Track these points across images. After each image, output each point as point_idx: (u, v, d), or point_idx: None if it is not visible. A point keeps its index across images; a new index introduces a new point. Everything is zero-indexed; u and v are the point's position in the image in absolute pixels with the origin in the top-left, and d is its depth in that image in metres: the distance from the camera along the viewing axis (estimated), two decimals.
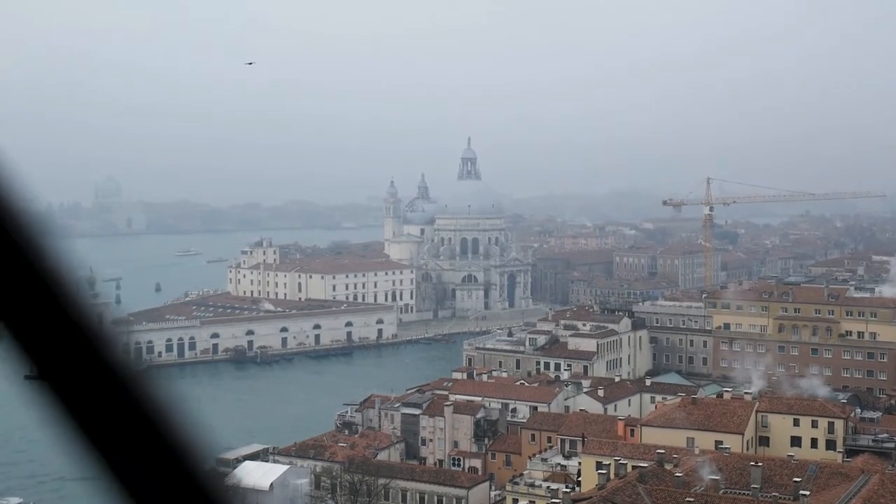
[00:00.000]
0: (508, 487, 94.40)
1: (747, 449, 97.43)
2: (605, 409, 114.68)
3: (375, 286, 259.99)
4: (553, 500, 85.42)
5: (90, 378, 2.24)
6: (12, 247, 2.09)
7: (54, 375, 2.26)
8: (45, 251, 2.13)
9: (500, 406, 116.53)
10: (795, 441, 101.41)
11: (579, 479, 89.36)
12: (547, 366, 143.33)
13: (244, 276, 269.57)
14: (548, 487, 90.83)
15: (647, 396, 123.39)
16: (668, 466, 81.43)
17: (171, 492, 2.26)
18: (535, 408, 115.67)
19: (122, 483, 2.18)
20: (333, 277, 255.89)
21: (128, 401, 2.26)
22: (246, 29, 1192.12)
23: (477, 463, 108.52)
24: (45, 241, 2.13)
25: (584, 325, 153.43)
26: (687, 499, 72.24)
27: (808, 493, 75.13)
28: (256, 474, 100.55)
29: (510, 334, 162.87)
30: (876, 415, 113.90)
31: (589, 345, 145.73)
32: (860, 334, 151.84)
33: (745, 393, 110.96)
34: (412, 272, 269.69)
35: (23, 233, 2.10)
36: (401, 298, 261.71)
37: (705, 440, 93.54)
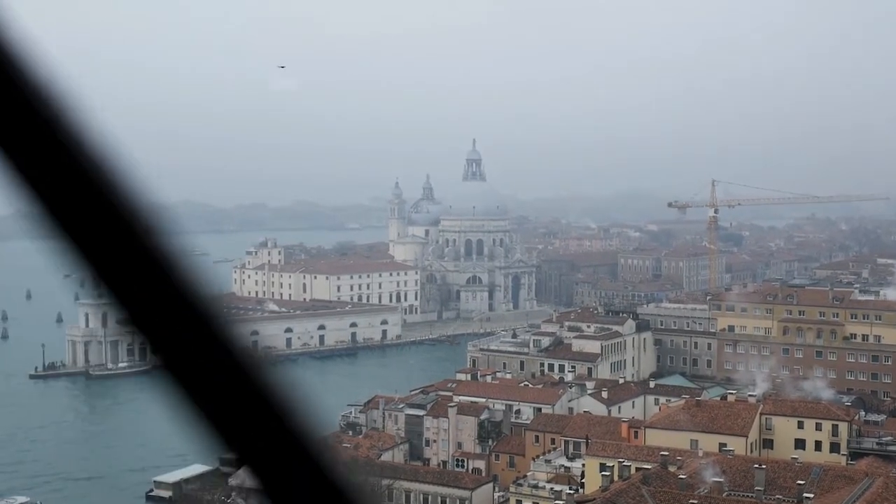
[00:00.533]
0: (512, 489, 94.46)
1: (751, 451, 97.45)
2: (609, 411, 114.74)
3: (380, 287, 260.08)
4: (557, 502, 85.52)
5: (214, 365, 2.32)
6: (136, 240, 2.21)
7: (178, 364, 2.29)
8: (166, 244, 2.24)
9: (504, 407, 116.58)
10: (799, 444, 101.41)
11: (583, 480, 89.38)
12: (551, 367, 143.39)
13: (249, 276, 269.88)
14: (551, 489, 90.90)
15: (650, 398, 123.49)
16: (671, 468, 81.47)
17: (297, 474, 2.34)
18: (539, 409, 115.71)
19: (249, 465, 2.36)
20: (338, 278, 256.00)
21: (252, 386, 2.34)
22: (246, 29, 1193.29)
23: (480, 464, 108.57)
24: (166, 235, 2.26)
25: (589, 326, 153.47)
26: (690, 501, 72.28)
27: (811, 495, 75.18)
28: None
29: (514, 336, 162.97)
30: (880, 418, 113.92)
31: (593, 346, 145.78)
32: (865, 337, 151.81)
33: (749, 395, 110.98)
34: (417, 273, 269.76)
35: (146, 227, 2.23)
36: (405, 299, 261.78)
37: (709, 442, 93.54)
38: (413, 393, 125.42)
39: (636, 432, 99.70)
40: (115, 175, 2.25)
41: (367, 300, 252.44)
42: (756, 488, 77.54)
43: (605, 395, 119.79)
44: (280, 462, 2.36)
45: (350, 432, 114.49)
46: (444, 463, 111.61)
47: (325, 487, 2.40)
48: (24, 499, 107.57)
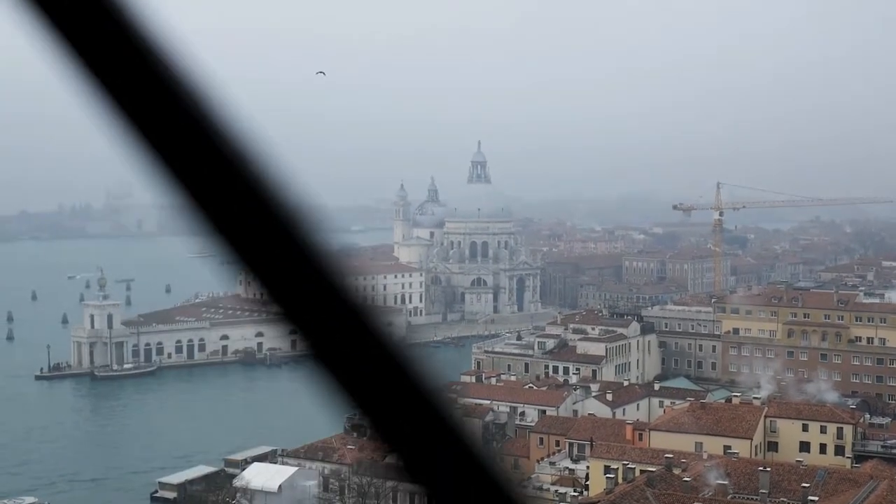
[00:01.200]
0: None
1: (756, 454, 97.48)
2: (614, 414, 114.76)
3: (385, 289, 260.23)
4: None
5: (364, 353, 2.40)
6: (293, 241, 2.34)
7: (329, 353, 2.39)
8: (318, 244, 2.37)
9: (508, 409, 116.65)
10: (804, 446, 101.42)
11: (587, 483, 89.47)
12: (556, 369, 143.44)
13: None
14: (556, 491, 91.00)
15: (655, 401, 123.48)
16: (676, 471, 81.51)
17: (444, 458, 2.37)
18: (544, 411, 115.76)
19: (395, 449, 2.39)
20: None
21: (400, 374, 2.41)
22: (247, 29, 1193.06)
23: None
24: (319, 236, 2.39)
25: (593, 328, 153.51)
26: (695, 503, 72.35)
27: (816, 498, 75.19)
28: (265, 476, 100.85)
29: (519, 338, 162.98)
30: (885, 420, 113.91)
31: (598, 349, 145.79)
32: (869, 340, 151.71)
33: (754, 398, 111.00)
34: (421, 275, 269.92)
35: (301, 228, 2.34)
36: (410, 301, 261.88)
37: (714, 445, 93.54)
38: None
39: (640, 434, 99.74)
40: (264, 172, 2.31)
41: (372, 302, 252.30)
42: (760, 491, 77.60)
43: (609, 397, 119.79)
44: (427, 447, 2.38)
45: (355, 434, 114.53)
46: None
47: (475, 474, 2.39)
48: (31, 499, 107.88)
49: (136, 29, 2.25)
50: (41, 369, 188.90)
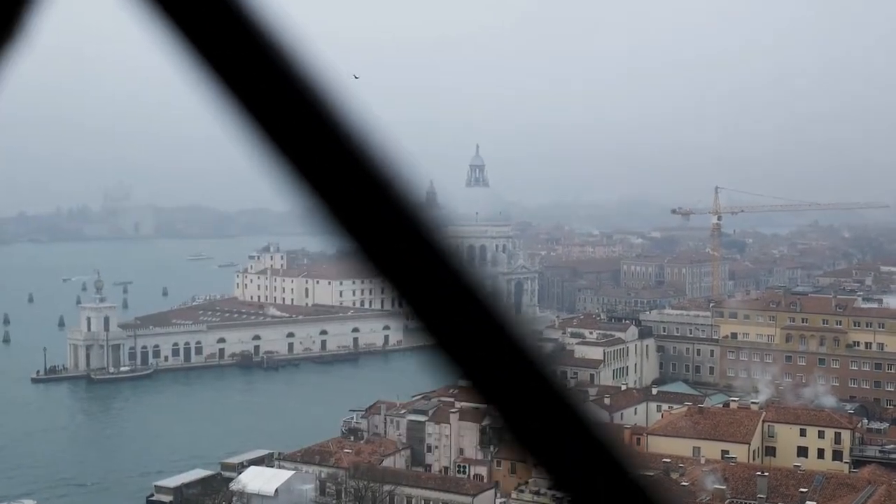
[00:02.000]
0: (514, 495, 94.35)
1: (753, 459, 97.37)
2: (612, 418, 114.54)
3: (382, 292, 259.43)
4: None
5: (497, 350, 2.38)
6: (420, 237, 2.36)
7: (452, 340, 2.39)
8: (436, 232, 2.38)
9: None
10: (802, 451, 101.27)
11: None
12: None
13: (251, 280, 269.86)
14: (553, 496, 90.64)
15: (653, 405, 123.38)
16: (673, 476, 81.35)
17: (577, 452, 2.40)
18: None
19: (524, 442, 2.45)
20: (340, 283, 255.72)
21: (527, 367, 2.39)
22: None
23: (482, 470, 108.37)
24: (435, 224, 2.39)
25: (591, 333, 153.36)
26: None
27: (814, 503, 75.05)
28: (261, 479, 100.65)
29: None
30: (883, 426, 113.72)
31: (595, 353, 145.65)
32: (868, 345, 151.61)
33: (752, 403, 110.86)
34: None
35: (419, 217, 2.36)
36: None
37: (711, 450, 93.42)
38: (415, 399, 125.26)
39: (638, 439, 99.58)
40: (390, 171, 2.31)
41: (370, 305, 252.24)
42: (758, 496, 77.46)
43: (607, 401, 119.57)
44: (559, 440, 2.38)
45: (352, 438, 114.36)
46: (446, 469, 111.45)
47: (614, 474, 2.40)
48: (29, 502, 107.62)
49: (261, 31, 2.24)
50: (37, 372, 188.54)
